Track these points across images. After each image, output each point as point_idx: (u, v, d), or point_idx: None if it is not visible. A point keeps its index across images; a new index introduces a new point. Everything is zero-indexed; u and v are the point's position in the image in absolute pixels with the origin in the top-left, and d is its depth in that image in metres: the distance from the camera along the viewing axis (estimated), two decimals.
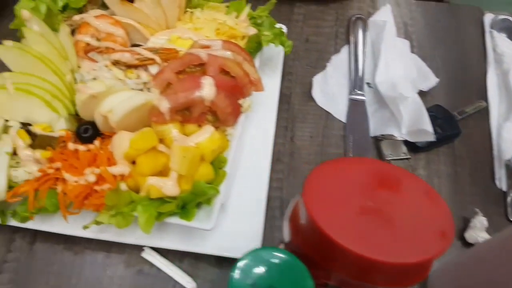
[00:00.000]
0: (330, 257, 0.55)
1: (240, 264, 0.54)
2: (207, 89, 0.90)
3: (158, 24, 1.07)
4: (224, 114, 0.94)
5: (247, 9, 1.11)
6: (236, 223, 0.97)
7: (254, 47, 1.08)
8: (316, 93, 1.20)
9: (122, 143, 0.89)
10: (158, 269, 0.99)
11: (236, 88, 0.95)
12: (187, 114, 0.92)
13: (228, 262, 0.98)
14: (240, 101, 0.97)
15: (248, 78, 0.98)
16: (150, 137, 0.89)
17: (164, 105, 0.89)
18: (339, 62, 1.27)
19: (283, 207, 1.06)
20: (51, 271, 1.00)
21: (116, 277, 0.98)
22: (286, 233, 0.68)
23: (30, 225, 0.96)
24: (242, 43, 1.10)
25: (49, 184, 0.92)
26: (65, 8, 1.14)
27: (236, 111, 0.96)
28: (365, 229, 0.51)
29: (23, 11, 0.94)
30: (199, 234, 0.97)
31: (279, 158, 1.11)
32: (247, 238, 0.97)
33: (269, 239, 0.98)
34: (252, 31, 1.08)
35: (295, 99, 1.22)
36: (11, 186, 0.91)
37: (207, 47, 1.00)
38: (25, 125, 0.97)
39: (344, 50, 1.30)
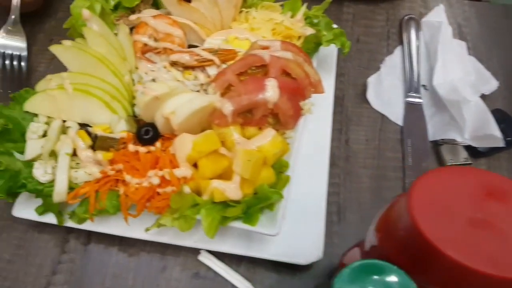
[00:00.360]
0: (429, 269, 0.53)
1: (344, 275, 0.52)
2: (271, 91, 0.88)
3: (214, 24, 1.05)
4: (285, 117, 0.92)
5: (303, 9, 1.09)
6: (295, 229, 0.95)
7: (312, 47, 1.05)
8: (371, 95, 1.17)
9: (184, 145, 0.87)
10: (215, 273, 0.97)
11: (297, 90, 0.92)
12: (249, 116, 0.90)
13: (286, 268, 0.97)
14: (301, 104, 0.94)
15: (308, 79, 0.96)
16: (213, 140, 0.87)
17: (228, 107, 0.87)
18: (392, 64, 1.24)
19: (340, 212, 1.03)
20: (106, 272, 0.99)
21: (172, 280, 0.97)
22: (371, 240, 0.66)
23: (86, 226, 0.95)
24: (298, 44, 1.07)
25: (109, 185, 0.91)
26: (116, 7, 1.13)
27: (297, 114, 0.93)
28: (475, 242, 0.48)
29: (84, 11, 0.93)
30: (257, 239, 0.96)
31: (335, 162, 1.08)
32: (307, 244, 0.95)
33: (329, 246, 0.95)
34: (309, 31, 1.06)
35: (348, 101, 1.19)
36: (71, 187, 0.90)
37: (266, 47, 0.98)
38: (83, 126, 0.96)
39: (397, 51, 1.27)
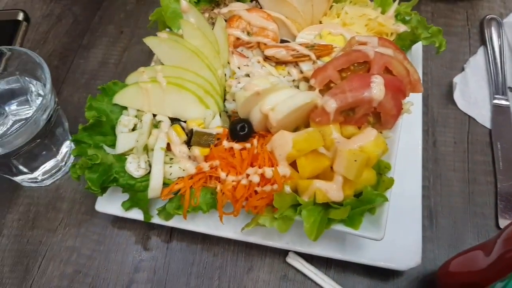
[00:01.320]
0: None
1: None
2: (377, 89, 0.84)
3: (304, 19, 1.01)
4: (387, 116, 0.88)
5: (395, 5, 1.05)
6: (390, 232, 0.90)
7: (407, 45, 1.01)
8: (457, 97, 1.13)
9: (284, 143, 0.84)
10: (304, 276, 0.94)
11: (400, 89, 0.88)
12: (351, 115, 0.87)
13: (378, 273, 0.93)
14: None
15: (408, 78, 0.91)
16: (315, 138, 0.83)
17: (331, 105, 0.83)
18: (476, 64, 1.19)
19: (432, 217, 0.99)
20: (191, 271, 0.96)
21: (260, 281, 0.94)
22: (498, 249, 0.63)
23: (170, 223, 0.92)
24: None
25: (203, 182, 0.88)
26: (199, 0, 1.10)
27: (398, 113, 0.89)
28: None
29: (183, 2, 0.91)
30: (351, 242, 0.92)
31: (423, 164, 1.04)
32: (404, 248, 0.91)
33: (422, 251, 0.91)
34: (402, 28, 1.02)
35: (433, 101, 1.15)
36: (164, 182, 0.88)
37: (363, 43, 0.94)
38: (173, 121, 0.93)
39: (480, 52, 1.22)
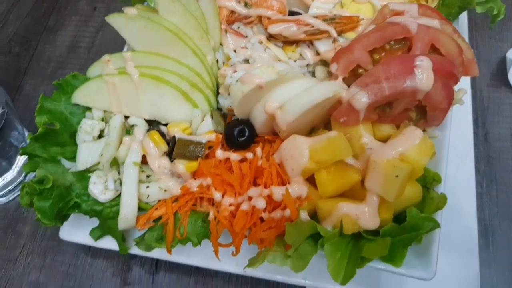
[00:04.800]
0: None
1: None
2: (424, 75, 0.61)
3: None
4: (436, 110, 0.65)
5: None
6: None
7: (455, 13, 0.77)
8: None
9: (298, 153, 0.62)
10: None
11: (452, 74, 0.65)
12: (387, 111, 0.64)
13: None
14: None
15: (461, 57, 0.68)
16: (340, 146, 0.62)
17: (361, 99, 0.61)
18: None
19: (487, 233, 0.78)
20: None
21: None
22: None
23: (155, 254, 0.72)
24: None
25: (191, 205, 0.67)
26: None
27: (449, 105, 0.66)
28: None
29: None
30: (388, 277, 0.71)
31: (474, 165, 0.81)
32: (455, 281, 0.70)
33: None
34: None
35: (481, 83, 0.92)
36: (139, 207, 0.66)
37: (400, 13, 0.71)
38: (152, 124, 0.72)
39: None
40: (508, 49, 0.94)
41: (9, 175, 0.84)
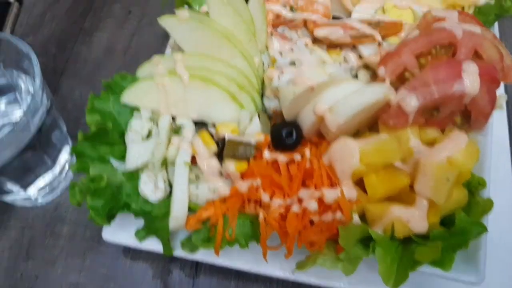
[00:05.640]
0: None
1: None
2: (471, 80, 0.62)
3: None
4: (480, 115, 0.66)
5: None
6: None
7: (490, 21, 0.79)
8: None
9: (348, 155, 0.63)
10: None
11: (496, 79, 0.66)
12: (435, 114, 0.65)
13: None
14: None
15: (501, 63, 0.69)
16: (391, 149, 0.63)
17: (411, 102, 0.63)
18: None
19: None
20: None
21: None
22: None
23: (198, 256, 0.73)
24: None
25: (239, 206, 0.67)
26: None
27: (492, 110, 0.68)
28: None
29: None
30: (430, 279, 0.71)
31: None
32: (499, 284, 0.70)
33: None
34: None
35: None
36: (189, 208, 0.67)
37: (441, 19, 0.72)
38: (199, 125, 0.73)
39: None
40: None
41: (49, 175, 0.85)
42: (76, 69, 1.05)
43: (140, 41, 1.07)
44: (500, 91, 0.70)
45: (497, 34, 0.88)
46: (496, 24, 0.88)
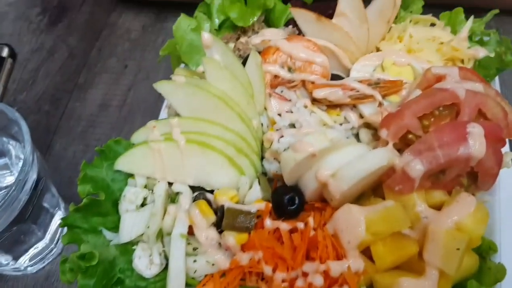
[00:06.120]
0: None
1: None
2: (477, 142, 0.61)
3: (358, 46, 0.78)
4: (487, 176, 0.64)
5: (469, 24, 0.82)
6: None
7: (492, 75, 0.77)
8: None
9: (354, 224, 0.61)
10: None
11: (501, 138, 0.64)
12: (441, 178, 0.63)
13: None
14: None
15: (506, 121, 0.68)
16: (398, 217, 0.60)
17: (416, 167, 0.60)
18: None
19: None
20: None
21: None
22: None
23: None
24: None
25: (239, 280, 0.64)
26: (220, 26, 0.88)
27: (499, 170, 0.65)
28: None
29: (204, 35, 0.67)
30: None
31: None
32: None
33: None
34: (482, 52, 0.79)
35: None
36: (186, 283, 0.64)
37: (442, 77, 0.70)
38: (196, 190, 0.70)
39: None
40: None
41: (41, 244, 0.81)
42: (69, 126, 1.02)
43: (136, 96, 1.05)
44: (506, 148, 0.68)
45: (497, 83, 0.86)
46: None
